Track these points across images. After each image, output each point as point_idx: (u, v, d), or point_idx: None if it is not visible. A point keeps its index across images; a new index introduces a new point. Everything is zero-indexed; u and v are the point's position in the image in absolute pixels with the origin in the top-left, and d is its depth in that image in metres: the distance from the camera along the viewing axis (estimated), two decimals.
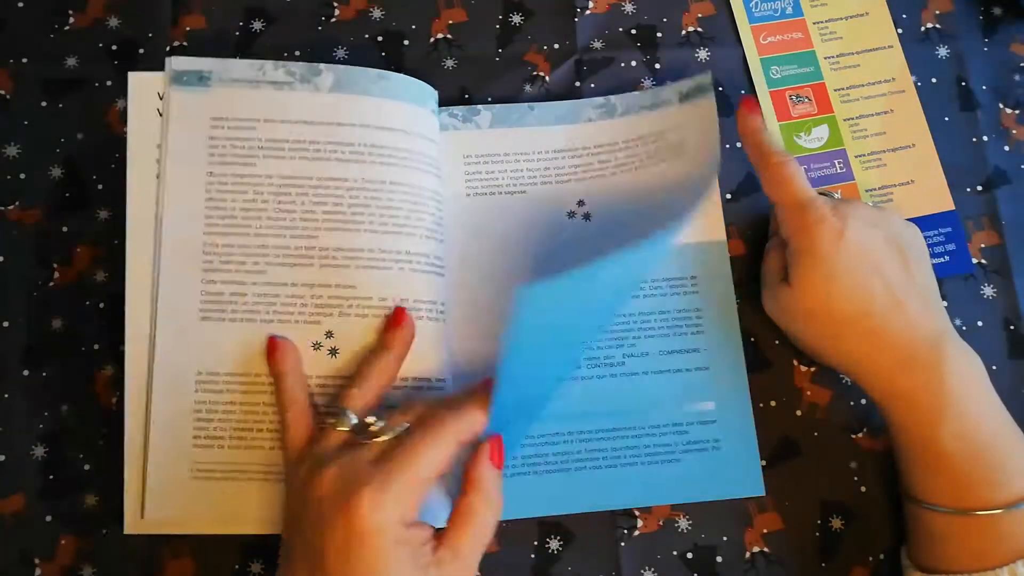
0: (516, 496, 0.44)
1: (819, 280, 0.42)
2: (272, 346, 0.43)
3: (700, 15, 0.54)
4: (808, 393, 0.47)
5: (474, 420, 0.38)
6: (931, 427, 0.40)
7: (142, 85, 0.46)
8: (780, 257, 0.45)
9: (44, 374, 0.46)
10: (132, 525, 0.42)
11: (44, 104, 0.50)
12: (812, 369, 0.48)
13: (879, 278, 0.42)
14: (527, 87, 0.52)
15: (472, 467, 0.38)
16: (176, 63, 0.45)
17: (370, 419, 0.39)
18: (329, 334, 0.43)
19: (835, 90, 0.53)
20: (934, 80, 0.53)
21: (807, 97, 0.52)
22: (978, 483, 0.39)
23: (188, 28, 0.51)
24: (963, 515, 0.39)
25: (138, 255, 0.44)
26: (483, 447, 0.39)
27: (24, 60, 0.50)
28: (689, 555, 0.45)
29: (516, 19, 0.53)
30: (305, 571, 0.36)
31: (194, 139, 0.45)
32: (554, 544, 0.45)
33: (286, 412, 0.42)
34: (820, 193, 0.48)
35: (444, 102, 0.51)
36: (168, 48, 0.51)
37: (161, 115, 0.45)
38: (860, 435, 0.47)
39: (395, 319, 0.43)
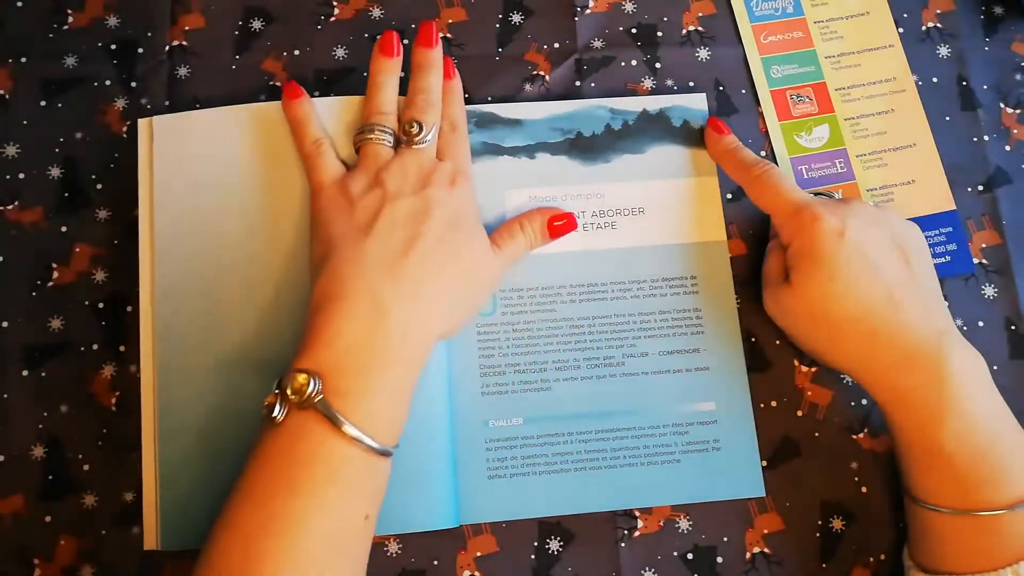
0: (515, 497, 0.44)
1: (820, 281, 0.42)
2: (294, 91, 0.47)
3: (701, 14, 0.54)
4: (809, 393, 0.47)
5: (461, 95, 0.48)
6: (932, 427, 0.40)
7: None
8: (780, 258, 0.45)
9: (43, 374, 0.46)
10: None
11: (43, 104, 0.50)
12: (813, 369, 0.48)
13: (880, 278, 0.41)
14: (527, 86, 0.52)
15: (531, 211, 0.47)
16: None
17: (413, 128, 0.44)
18: None
19: (836, 89, 0.53)
20: (935, 79, 0.53)
21: (808, 96, 0.52)
22: (980, 483, 0.39)
23: (187, 27, 0.51)
24: (965, 515, 0.39)
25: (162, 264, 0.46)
26: (549, 208, 0.47)
27: (23, 59, 0.50)
28: (689, 556, 0.45)
29: (516, 18, 0.53)
30: (405, 239, 0.40)
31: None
32: (554, 545, 0.45)
33: (319, 144, 0.45)
34: (820, 193, 0.48)
35: None
36: (167, 47, 0.51)
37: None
38: (861, 435, 0.47)
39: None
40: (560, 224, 0.46)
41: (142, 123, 0.48)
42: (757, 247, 0.49)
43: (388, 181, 0.42)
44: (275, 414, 0.36)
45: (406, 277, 0.39)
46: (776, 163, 0.51)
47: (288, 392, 0.36)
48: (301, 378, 0.36)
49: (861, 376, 0.43)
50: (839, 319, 0.42)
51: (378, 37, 0.47)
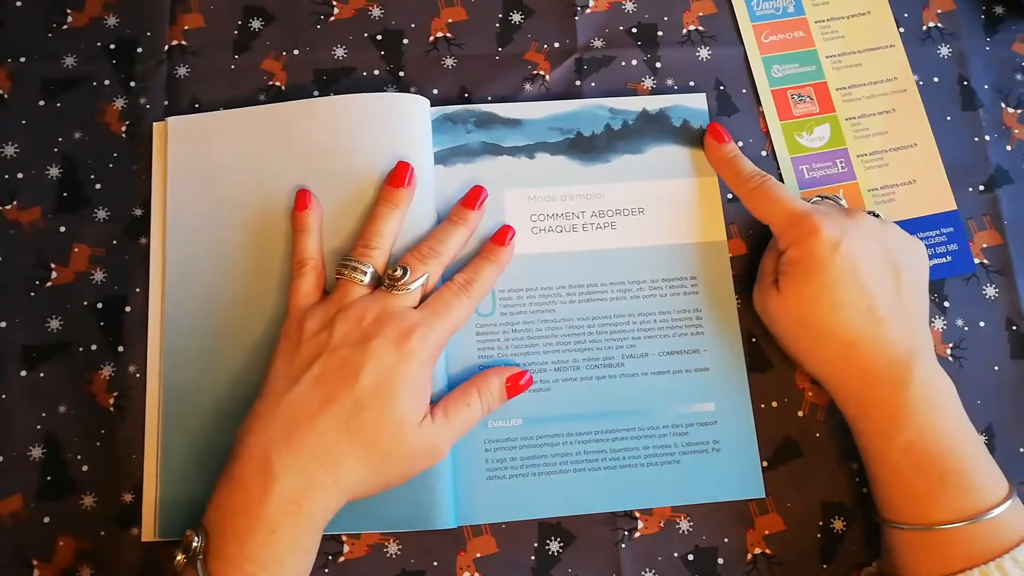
0: (515, 498, 0.44)
1: (808, 290, 0.42)
2: (303, 201, 0.45)
3: (701, 14, 0.54)
4: (809, 394, 0.47)
5: (495, 278, 0.45)
6: (884, 438, 0.41)
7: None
8: (775, 259, 0.45)
9: (42, 375, 0.46)
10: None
11: (42, 103, 0.49)
12: None
13: (866, 295, 0.42)
14: (527, 86, 0.51)
15: (488, 372, 0.44)
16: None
17: (397, 272, 0.42)
18: None
19: (837, 89, 0.52)
20: (936, 79, 0.53)
21: (809, 96, 0.52)
22: (920, 498, 0.40)
23: (186, 27, 0.51)
24: (911, 530, 0.40)
25: (173, 269, 0.46)
26: (507, 367, 0.45)
27: (22, 59, 0.50)
28: (690, 557, 0.45)
29: (516, 17, 0.53)
30: (324, 397, 0.39)
31: None
32: (554, 546, 0.45)
33: (303, 264, 0.44)
34: (826, 197, 0.48)
35: (444, 101, 0.50)
36: (167, 47, 0.51)
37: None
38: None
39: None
40: (516, 384, 0.44)
41: (157, 126, 0.48)
42: (757, 247, 0.49)
43: (338, 326, 0.40)
44: (176, 561, 0.38)
45: (303, 445, 0.38)
46: (777, 163, 0.51)
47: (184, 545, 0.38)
48: (188, 536, 0.37)
49: (831, 385, 0.43)
50: (820, 328, 0.42)
51: (390, 171, 0.45)
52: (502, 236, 0.46)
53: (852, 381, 0.42)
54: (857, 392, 0.42)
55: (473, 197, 0.46)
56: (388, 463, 0.39)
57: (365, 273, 0.42)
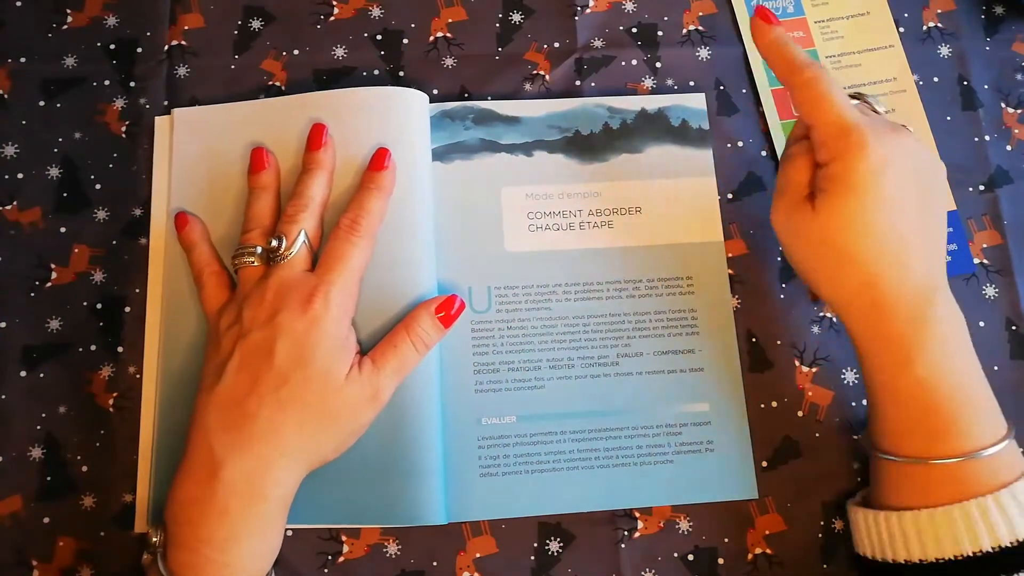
0: (507, 495, 0.44)
1: (847, 212, 0.39)
2: (181, 221, 0.46)
3: (701, 13, 0.54)
4: (809, 394, 0.47)
5: (382, 206, 0.44)
6: (897, 371, 0.40)
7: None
8: (805, 170, 0.42)
9: (41, 375, 0.46)
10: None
11: (42, 104, 0.50)
12: (813, 370, 0.48)
13: (898, 222, 0.39)
14: (527, 86, 0.51)
15: (415, 309, 0.44)
16: None
17: (273, 243, 0.42)
18: None
19: None
20: (936, 79, 0.53)
21: None
22: (924, 433, 0.39)
23: (186, 27, 0.51)
24: (904, 462, 0.39)
25: (170, 264, 0.47)
26: (434, 298, 0.44)
27: (22, 59, 0.50)
28: (690, 557, 0.45)
29: (516, 17, 0.53)
30: (249, 379, 0.39)
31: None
32: (554, 546, 0.45)
33: (201, 274, 0.45)
34: (861, 96, 0.44)
35: (443, 101, 0.50)
36: (166, 47, 0.51)
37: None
38: (862, 435, 0.47)
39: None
40: (448, 312, 0.44)
41: (159, 120, 0.49)
42: (757, 247, 0.49)
43: (246, 313, 0.41)
44: (143, 560, 0.41)
45: (241, 429, 0.39)
46: (777, 163, 0.51)
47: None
48: (148, 533, 0.40)
49: (846, 315, 0.41)
50: (847, 253, 0.40)
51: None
52: (379, 161, 0.45)
53: (869, 312, 0.40)
54: (873, 324, 0.40)
55: (316, 138, 0.46)
56: (327, 422, 0.40)
57: (253, 255, 0.43)
